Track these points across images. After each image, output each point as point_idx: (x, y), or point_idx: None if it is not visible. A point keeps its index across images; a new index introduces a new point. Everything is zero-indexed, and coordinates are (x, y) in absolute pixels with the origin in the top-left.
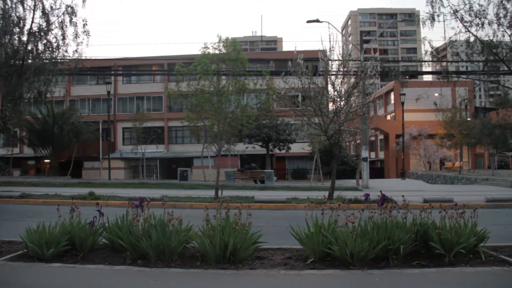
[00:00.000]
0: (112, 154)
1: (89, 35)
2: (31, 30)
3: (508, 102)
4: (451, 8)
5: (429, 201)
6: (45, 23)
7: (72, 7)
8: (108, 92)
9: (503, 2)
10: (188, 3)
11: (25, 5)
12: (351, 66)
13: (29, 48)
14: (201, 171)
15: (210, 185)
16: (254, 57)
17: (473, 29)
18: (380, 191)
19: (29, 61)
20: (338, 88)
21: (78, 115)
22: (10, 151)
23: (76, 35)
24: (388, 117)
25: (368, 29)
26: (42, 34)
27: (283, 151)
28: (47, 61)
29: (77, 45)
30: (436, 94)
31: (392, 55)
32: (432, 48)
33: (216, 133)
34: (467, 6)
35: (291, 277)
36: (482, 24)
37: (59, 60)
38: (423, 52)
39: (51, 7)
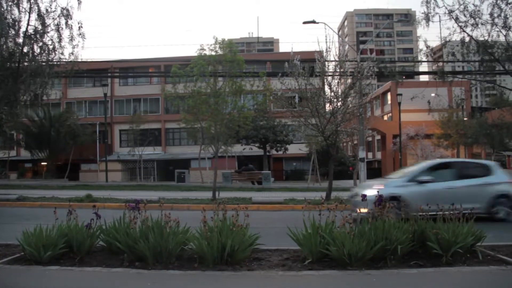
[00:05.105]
0: (109, 156)
1: (84, 38)
2: (26, 33)
3: (504, 101)
4: (446, 8)
5: None
6: (41, 25)
7: (67, 10)
8: (105, 94)
9: (498, 2)
10: (184, 4)
11: (20, 7)
12: (347, 67)
13: (25, 50)
14: (198, 172)
15: (207, 186)
16: (250, 58)
17: (468, 29)
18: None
19: (25, 63)
20: (334, 89)
21: (74, 117)
22: (7, 154)
23: (71, 38)
24: (385, 118)
25: (364, 30)
26: (38, 36)
27: (280, 152)
28: (43, 63)
29: (73, 47)
30: (433, 94)
31: (389, 55)
32: (427, 47)
33: (213, 134)
34: (462, 6)
35: (289, 278)
36: (477, 24)
37: (55, 63)
38: (418, 51)
39: (47, 10)
